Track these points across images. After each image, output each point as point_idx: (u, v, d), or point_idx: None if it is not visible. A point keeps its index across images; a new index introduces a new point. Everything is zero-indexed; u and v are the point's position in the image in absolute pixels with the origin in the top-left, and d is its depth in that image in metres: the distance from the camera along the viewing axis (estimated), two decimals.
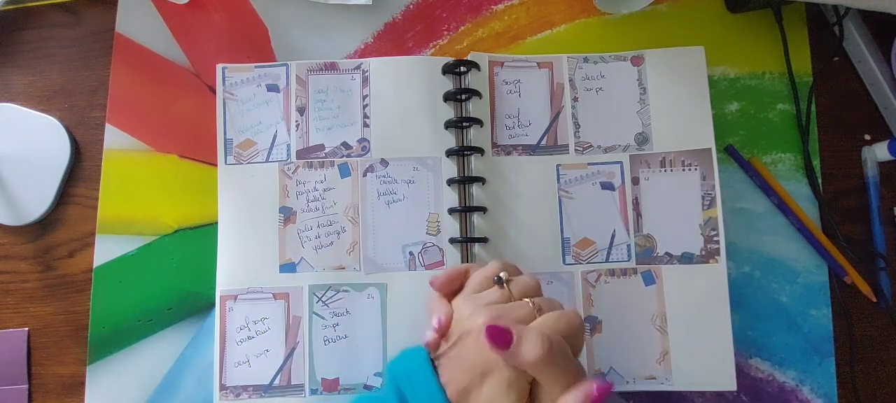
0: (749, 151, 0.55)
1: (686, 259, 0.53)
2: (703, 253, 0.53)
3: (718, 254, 0.52)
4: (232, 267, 0.52)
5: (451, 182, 0.53)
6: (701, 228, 0.53)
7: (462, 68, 0.54)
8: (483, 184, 0.53)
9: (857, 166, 0.56)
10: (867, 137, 0.56)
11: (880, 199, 0.55)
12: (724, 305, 0.52)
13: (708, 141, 0.54)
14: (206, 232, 0.54)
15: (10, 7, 0.58)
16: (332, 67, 0.55)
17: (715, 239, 0.53)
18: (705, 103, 0.54)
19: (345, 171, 0.54)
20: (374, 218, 0.53)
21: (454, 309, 0.41)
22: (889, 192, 0.56)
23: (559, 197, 0.54)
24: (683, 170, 0.54)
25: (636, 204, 0.54)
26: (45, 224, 0.55)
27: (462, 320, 0.39)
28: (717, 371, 0.51)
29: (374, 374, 0.51)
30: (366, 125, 0.54)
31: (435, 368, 0.38)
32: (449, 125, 0.54)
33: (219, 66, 0.55)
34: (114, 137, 0.55)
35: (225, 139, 0.54)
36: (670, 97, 0.55)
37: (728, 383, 0.51)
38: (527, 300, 0.39)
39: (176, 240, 0.54)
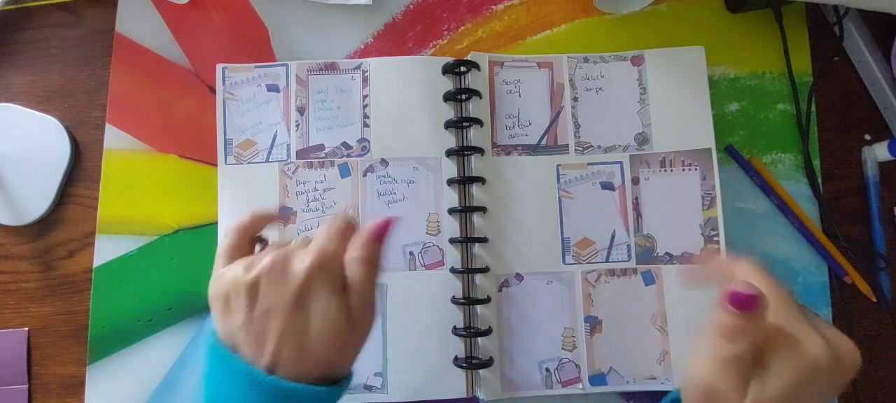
0: (749, 151, 0.55)
1: (686, 259, 0.53)
2: (704, 253, 0.53)
3: (719, 255, 0.52)
4: None
5: (451, 182, 0.53)
6: (701, 228, 0.53)
7: (462, 68, 0.54)
8: (483, 184, 0.53)
9: (857, 166, 0.56)
10: (867, 137, 0.56)
11: (880, 199, 0.55)
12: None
13: (708, 141, 0.54)
14: (206, 232, 0.54)
15: (10, 7, 0.58)
16: (332, 67, 0.55)
17: (715, 239, 0.53)
18: (705, 103, 0.54)
19: (345, 171, 0.54)
20: (374, 219, 0.53)
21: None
22: (889, 192, 0.56)
23: (559, 197, 0.54)
24: (683, 170, 0.54)
25: (636, 204, 0.54)
26: (45, 224, 0.55)
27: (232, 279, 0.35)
28: None
29: (374, 374, 0.51)
30: (366, 125, 0.54)
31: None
32: (449, 125, 0.54)
33: (219, 66, 0.55)
34: (114, 137, 0.55)
35: (225, 139, 0.54)
36: (670, 97, 0.55)
37: None
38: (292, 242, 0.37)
39: (176, 240, 0.54)
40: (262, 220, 0.40)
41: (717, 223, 0.53)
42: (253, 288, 0.34)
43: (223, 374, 0.34)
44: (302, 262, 0.34)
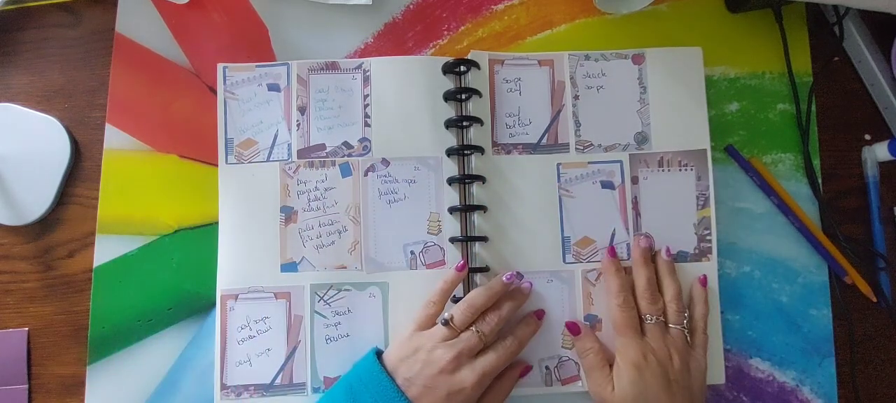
0: (749, 151, 0.55)
1: (680, 258, 0.53)
2: (697, 251, 0.53)
3: (711, 253, 0.53)
4: (233, 266, 0.52)
5: (451, 181, 0.53)
6: (695, 228, 0.53)
7: (462, 67, 0.54)
8: (483, 182, 0.53)
9: (857, 166, 0.56)
10: (867, 137, 0.56)
11: (880, 199, 0.55)
12: (714, 302, 0.52)
13: (703, 142, 0.54)
14: (206, 232, 0.54)
15: (10, 7, 0.58)
16: (332, 67, 0.55)
17: (708, 238, 0.53)
18: (702, 104, 0.54)
19: (346, 171, 0.54)
20: (375, 218, 0.53)
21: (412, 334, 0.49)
22: (889, 192, 0.56)
23: (559, 195, 0.54)
24: (680, 169, 0.54)
25: (636, 203, 0.54)
26: (45, 224, 0.55)
27: (423, 349, 0.47)
28: (708, 366, 0.51)
29: None
30: (367, 125, 0.54)
31: (389, 375, 0.46)
32: (449, 124, 0.54)
33: (220, 66, 0.55)
34: (114, 137, 0.55)
35: (226, 138, 0.54)
36: (669, 97, 0.55)
37: (717, 376, 0.52)
38: (473, 329, 0.48)
39: (176, 240, 0.54)
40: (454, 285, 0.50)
41: (710, 222, 0.53)
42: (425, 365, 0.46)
43: (370, 386, 0.46)
44: (472, 374, 0.46)
